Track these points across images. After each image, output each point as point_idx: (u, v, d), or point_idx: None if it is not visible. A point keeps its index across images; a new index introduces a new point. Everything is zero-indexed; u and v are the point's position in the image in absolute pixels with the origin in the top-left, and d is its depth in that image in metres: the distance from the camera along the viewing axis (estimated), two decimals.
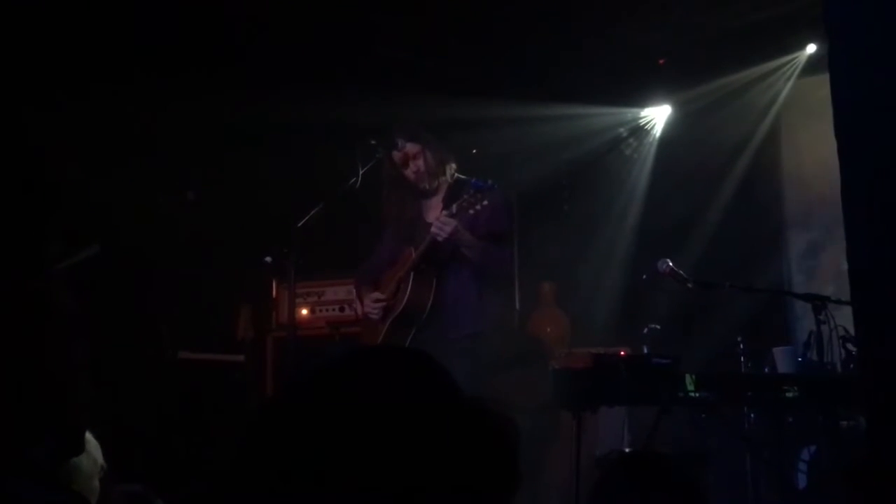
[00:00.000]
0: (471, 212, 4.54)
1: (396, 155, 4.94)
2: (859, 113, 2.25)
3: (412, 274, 4.80)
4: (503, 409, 1.18)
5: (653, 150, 7.78)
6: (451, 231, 4.58)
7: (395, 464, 1.04)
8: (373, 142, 4.97)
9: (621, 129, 7.87)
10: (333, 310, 6.39)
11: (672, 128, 7.72)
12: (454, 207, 4.57)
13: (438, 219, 4.63)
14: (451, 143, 5.14)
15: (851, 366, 4.77)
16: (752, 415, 5.13)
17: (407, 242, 4.93)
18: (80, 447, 1.85)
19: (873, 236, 2.22)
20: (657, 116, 7.79)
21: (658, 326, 5.44)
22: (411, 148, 4.94)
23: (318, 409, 1.09)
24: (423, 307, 4.76)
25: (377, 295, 4.96)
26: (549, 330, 6.71)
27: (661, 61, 7.27)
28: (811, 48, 6.96)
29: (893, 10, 2.20)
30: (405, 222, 5.04)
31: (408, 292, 4.79)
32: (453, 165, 5.03)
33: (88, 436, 2.29)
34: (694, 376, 4.18)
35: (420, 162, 4.93)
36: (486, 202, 4.51)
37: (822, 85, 2.39)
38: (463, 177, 4.92)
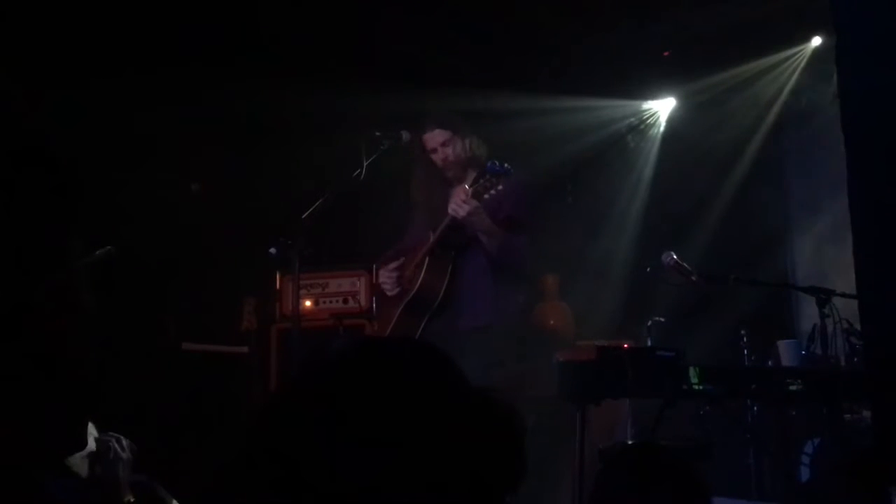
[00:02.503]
0: (486, 196, 4.49)
1: (426, 138, 4.91)
2: (866, 105, 2.25)
3: (427, 258, 4.77)
4: (510, 400, 1.18)
5: (657, 142, 7.77)
6: (470, 210, 4.52)
7: (401, 455, 1.05)
8: (377, 133, 4.96)
9: (626, 122, 7.86)
10: (337, 301, 6.38)
11: (676, 120, 7.71)
12: (470, 191, 4.53)
13: (458, 196, 4.57)
14: None
15: (855, 359, 4.77)
16: (756, 408, 5.13)
17: (430, 228, 4.90)
18: (84, 442, 1.86)
19: (880, 229, 2.22)
20: (662, 109, 7.78)
21: (662, 319, 5.44)
22: (441, 135, 4.89)
23: (324, 401, 1.09)
24: (437, 293, 4.73)
25: (394, 265, 4.93)
26: (552, 322, 6.70)
27: (666, 53, 7.26)
28: (816, 41, 6.94)
29: None
30: (430, 208, 5.00)
31: (421, 276, 4.75)
32: (484, 155, 4.97)
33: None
34: (698, 369, 4.18)
35: (449, 150, 4.89)
36: (500, 187, 4.45)
37: (827, 77, 2.40)
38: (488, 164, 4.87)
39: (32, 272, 1.76)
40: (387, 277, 4.95)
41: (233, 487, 1.14)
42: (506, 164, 4.46)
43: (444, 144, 4.90)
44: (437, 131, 4.90)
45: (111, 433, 2.32)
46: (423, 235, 4.91)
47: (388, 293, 4.94)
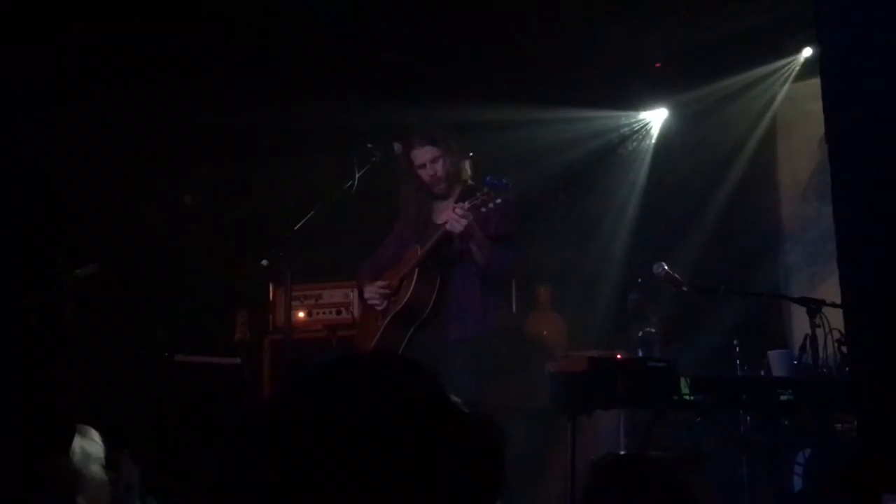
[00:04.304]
0: (483, 209, 4.49)
1: (415, 154, 4.92)
2: (850, 119, 2.27)
3: (416, 271, 4.77)
4: (493, 414, 1.19)
5: (649, 153, 7.79)
6: (468, 226, 4.53)
7: (379, 470, 1.05)
8: (369, 145, 4.97)
9: (618, 133, 7.88)
10: (330, 313, 6.40)
11: (668, 131, 7.73)
12: (467, 204, 4.52)
13: (455, 211, 4.58)
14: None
15: (846, 369, 4.78)
16: (748, 418, 5.13)
17: (414, 241, 4.91)
18: (66, 450, 1.88)
19: (864, 240, 2.24)
20: (654, 120, 7.80)
21: (653, 330, 5.44)
22: (430, 151, 4.90)
23: (304, 418, 1.10)
24: (425, 305, 4.73)
25: (382, 283, 4.94)
26: (545, 333, 6.72)
27: (658, 65, 7.28)
28: (807, 52, 6.97)
29: (884, 20, 2.22)
30: (415, 221, 5.02)
31: (410, 290, 4.75)
32: (469, 171, 5.01)
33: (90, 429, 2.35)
34: (689, 379, 4.19)
35: (437, 166, 4.90)
36: (499, 200, 4.46)
37: (817, 89, 2.41)
38: (474, 184, 4.89)
39: (16, 290, 1.76)
40: (374, 293, 4.95)
41: (220, 500, 1.15)
42: (504, 180, 4.47)
43: (433, 161, 4.90)
44: (427, 148, 4.91)
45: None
46: (408, 249, 4.92)
47: (378, 308, 4.94)
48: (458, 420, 1.13)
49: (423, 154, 4.91)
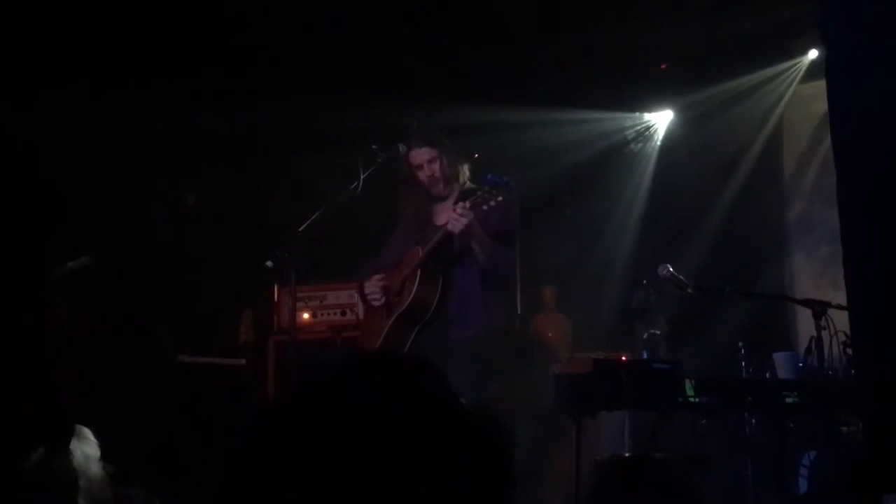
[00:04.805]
0: (485, 207, 4.51)
1: (412, 156, 4.94)
2: (855, 121, 2.26)
3: (419, 272, 4.78)
4: (498, 415, 1.19)
5: (654, 154, 7.79)
6: (468, 224, 4.54)
7: (387, 471, 1.05)
8: (374, 146, 4.98)
9: (623, 134, 7.87)
10: (335, 314, 6.40)
11: (674, 133, 7.72)
12: (468, 202, 4.54)
13: (455, 210, 4.59)
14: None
15: (852, 371, 4.77)
16: (753, 420, 5.13)
17: (415, 243, 4.92)
18: (66, 450, 1.87)
19: (869, 242, 2.23)
20: (659, 121, 7.80)
21: (658, 331, 5.43)
22: (427, 152, 4.93)
23: (309, 419, 1.10)
24: (429, 305, 4.74)
25: (380, 277, 4.95)
26: (550, 335, 6.71)
27: (664, 66, 7.28)
28: (813, 53, 6.98)
29: (889, 20, 2.22)
30: (415, 224, 5.04)
31: (413, 290, 4.76)
32: (467, 173, 5.02)
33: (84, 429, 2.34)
34: (693, 381, 4.17)
35: (435, 166, 4.92)
36: (500, 199, 4.48)
37: (823, 90, 2.41)
38: (474, 185, 4.91)
39: (11, 288, 1.76)
40: (373, 288, 4.97)
41: (224, 501, 1.14)
42: (505, 178, 4.49)
43: (430, 161, 4.93)
44: (424, 149, 4.93)
45: (135, 488, 2.35)
46: (409, 251, 4.93)
47: (376, 304, 4.95)
48: (466, 420, 1.13)
49: (421, 155, 4.93)
